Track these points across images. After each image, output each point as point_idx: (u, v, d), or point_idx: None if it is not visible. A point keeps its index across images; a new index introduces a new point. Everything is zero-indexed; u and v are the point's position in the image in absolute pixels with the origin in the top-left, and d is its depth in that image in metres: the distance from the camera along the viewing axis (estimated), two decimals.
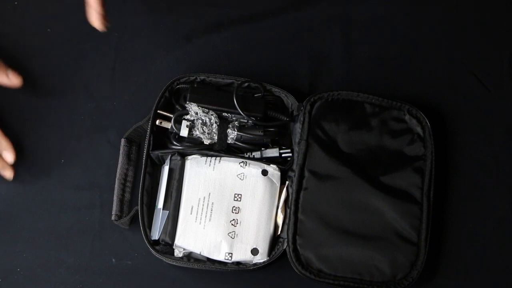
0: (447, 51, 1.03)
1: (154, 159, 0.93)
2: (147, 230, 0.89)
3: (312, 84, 1.00)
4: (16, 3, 1.02)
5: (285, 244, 0.90)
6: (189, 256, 0.89)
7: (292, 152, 0.94)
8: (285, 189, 0.92)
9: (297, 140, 0.93)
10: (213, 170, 0.91)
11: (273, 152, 0.94)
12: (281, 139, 0.96)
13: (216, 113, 0.92)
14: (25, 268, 0.92)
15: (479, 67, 1.01)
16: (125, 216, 0.92)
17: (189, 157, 0.92)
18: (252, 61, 1.01)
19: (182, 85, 0.94)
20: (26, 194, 0.94)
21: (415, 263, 0.89)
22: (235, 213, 0.90)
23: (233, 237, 0.89)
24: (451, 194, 0.96)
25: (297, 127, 0.93)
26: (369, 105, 0.94)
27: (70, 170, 0.95)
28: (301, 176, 0.91)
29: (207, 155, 0.92)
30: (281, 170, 0.92)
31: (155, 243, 0.90)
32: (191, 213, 0.89)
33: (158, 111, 0.92)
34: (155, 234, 0.89)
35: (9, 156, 0.91)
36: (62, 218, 0.94)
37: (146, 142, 0.92)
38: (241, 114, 0.92)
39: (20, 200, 0.94)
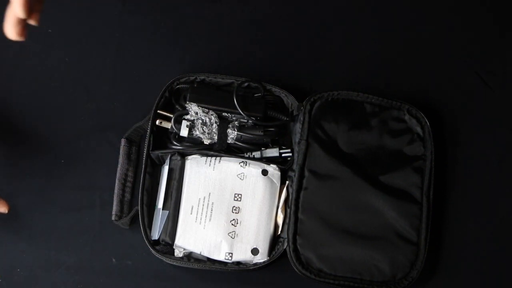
0: (449, 50, 1.03)
1: (154, 159, 0.93)
2: (147, 230, 0.89)
3: (312, 84, 1.00)
4: None
5: (285, 244, 0.90)
6: (189, 256, 0.89)
7: (292, 152, 0.94)
8: (285, 189, 0.92)
9: (297, 140, 0.93)
10: (213, 170, 0.91)
11: (273, 152, 0.94)
12: (281, 139, 0.96)
13: (216, 113, 0.92)
14: (25, 268, 0.92)
15: (482, 67, 1.01)
16: (125, 216, 0.92)
17: (189, 157, 0.92)
18: (252, 61, 1.01)
19: (182, 85, 0.94)
20: (26, 194, 0.94)
21: (415, 262, 0.89)
22: (235, 213, 0.90)
23: (233, 237, 0.89)
24: (451, 194, 0.96)
25: (297, 127, 0.94)
26: (369, 105, 0.95)
27: (70, 170, 0.95)
28: (301, 176, 0.91)
29: (207, 155, 0.92)
30: (281, 170, 0.92)
31: (155, 243, 0.90)
32: (191, 213, 0.89)
33: (158, 111, 0.92)
34: (155, 234, 0.89)
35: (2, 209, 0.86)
36: (62, 218, 0.94)
37: (146, 142, 0.92)
38: (241, 114, 0.92)
39: (20, 200, 0.94)
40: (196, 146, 0.92)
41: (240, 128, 0.93)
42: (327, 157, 0.92)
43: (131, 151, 0.95)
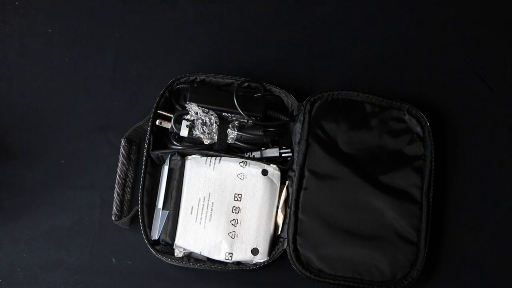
0: (449, 50, 1.03)
1: (154, 159, 0.93)
2: (147, 230, 0.90)
3: (312, 84, 1.00)
4: (17, 3, 1.02)
5: (285, 244, 0.90)
6: (189, 256, 0.89)
7: (292, 152, 0.94)
8: (285, 189, 0.92)
9: (297, 140, 0.93)
10: (213, 170, 0.91)
11: (273, 152, 0.94)
12: (281, 139, 0.96)
13: (216, 113, 0.92)
14: (25, 268, 0.92)
15: (482, 67, 1.01)
16: (125, 216, 0.92)
17: (189, 157, 0.92)
18: (252, 61, 1.01)
19: (182, 85, 0.94)
20: (27, 194, 0.94)
21: (414, 262, 0.89)
22: (235, 213, 0.90)
23: (233, 237, 0.89)
24: (451, 194, 0.96)
25: (297, 127, 0.93)
26: (369, 104, 0.95)
27: (70, 170, 0.95)
28: (301, 176, 0.91)
29: (207, 155, 0.92)
30: (281, 170, 0.92)
31: (155, 243, 0.90)
32: (191, 213, 0.89)
33: (158, 111, 0.92)
34: (155, 234, 0.89)
35: None
36: (62, 218, 0.94)
37: (146, 142, 0.92)
38: (241, 114, 0.92)
39: (21, 200, 0.94)
40: (196, 146, 0.92)
41: (240, 128, 0.93)
42: (327, 157, 0.92)
43: (131, 151, 0.95)
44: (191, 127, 0.92)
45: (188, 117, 0.92)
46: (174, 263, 0.89)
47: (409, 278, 0.89)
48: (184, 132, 0.91)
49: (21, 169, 0.95)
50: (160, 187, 0.92)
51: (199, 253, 0.89)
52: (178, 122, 0.92)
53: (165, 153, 0.92)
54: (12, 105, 0.98)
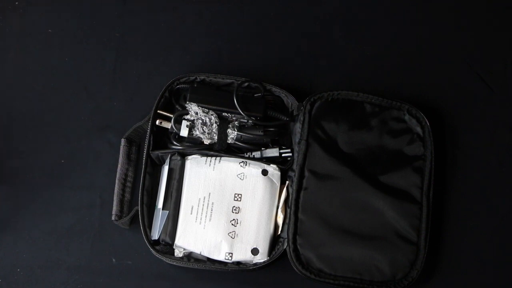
0: (449, 50, 1.03)
1: (154, 159, 0.93)
2: (147, 230, 0.90)
3: (312, 84, 1.00)
4: (16, 3, 1.02)
5: (285, 244, 0.90)
6: (189, 256, 0.89)
7: (292, 152, 0.94)
8: (285, 189, 0.92)
9: (297, 140, 0.93)
10: (213, 170, 0.91)
11: (273, 152, 0.94)
12: (281, 139, 0.96)
13: (216, 113, 0.92)
14: (25, 268, 0.92)
15: (482, 67, 1.01)
16: (125, 216, 0.92)
17: (189, 157, 0.92)
18: (252, 61, 1.01)
19: (182, 85, 0.94)
20: (26, 194, 0.94)
21: (414, 262, 0.89)
22: (235, 213, 0.90)
23: (233, 237, 0.89)
24: (451, 194, 0.96)
25: (297, 127, 0.94)
26: (369, 104, 0.95)
27: (70, 170, 0.95)
28: (301, 176, 0.91)
29: (207, 155, 0.92)
30: (281, 170, 0.92)
31: (155, 243, 0.90)
32: (191, 213, 0.89)
33: (158, 111, 0.92)
34: (155, 234, 0.89)
35: None
36: (62, 218, 0.94)
37: (146, 142, 0.92)
38: (241, 114, 0.92)
39: (20, 200, 0.94)
40: (196, 146, 0.92)
41: (240, 128, 0.93)
42: (327, 157, 0.92)
43: (131, 151, 0.95)
44: (191, 127, 0.92)
45: (188, 117, 0.92)
46: (174, 263, 0.89)
47: (409, 278, 0.89)
48: (184, 132, 0.91)
49: (21, 169, 0.95)
50: (160, 187, 0.92)
51: (199, 253, 0.89)
52: (178, 122, 0.92)
53: (165, 153, 0.92)
54: (12, 105, 0.98)
